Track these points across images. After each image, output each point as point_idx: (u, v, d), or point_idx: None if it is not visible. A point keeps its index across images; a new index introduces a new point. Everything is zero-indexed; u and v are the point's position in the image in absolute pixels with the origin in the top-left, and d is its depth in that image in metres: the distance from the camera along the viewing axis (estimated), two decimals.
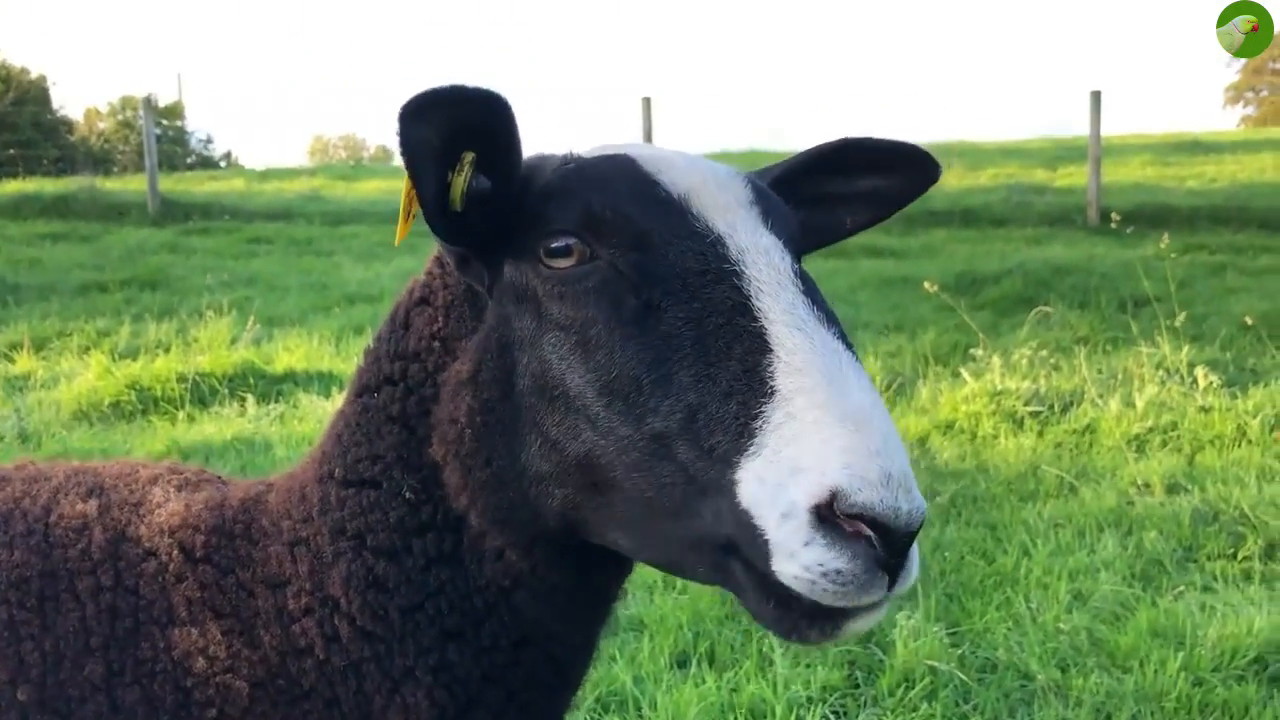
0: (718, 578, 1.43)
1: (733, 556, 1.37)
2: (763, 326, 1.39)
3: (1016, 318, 11.56)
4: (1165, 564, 5.39)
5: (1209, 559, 5.48)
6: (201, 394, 8.37)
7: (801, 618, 1.34)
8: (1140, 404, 7.79)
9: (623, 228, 1.49)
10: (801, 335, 1.38)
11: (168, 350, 9.66)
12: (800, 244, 1.63)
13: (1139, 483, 6.55)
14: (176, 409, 8.12)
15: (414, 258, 16.07)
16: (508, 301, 1.58)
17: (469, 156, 1.50)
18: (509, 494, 1.56)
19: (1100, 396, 8.06)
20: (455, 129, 1.46)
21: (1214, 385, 7.94)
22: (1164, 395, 7.99)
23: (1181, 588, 5.07)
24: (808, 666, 4.33)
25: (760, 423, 1.32)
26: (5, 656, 1.59)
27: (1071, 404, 8.07)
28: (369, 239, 17.68)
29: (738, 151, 34.18)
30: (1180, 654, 4.33)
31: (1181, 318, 8.59)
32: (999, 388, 8.20)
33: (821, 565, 1.25)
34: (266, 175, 28.14)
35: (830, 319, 1.45)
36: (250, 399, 8.14)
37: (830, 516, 1.25)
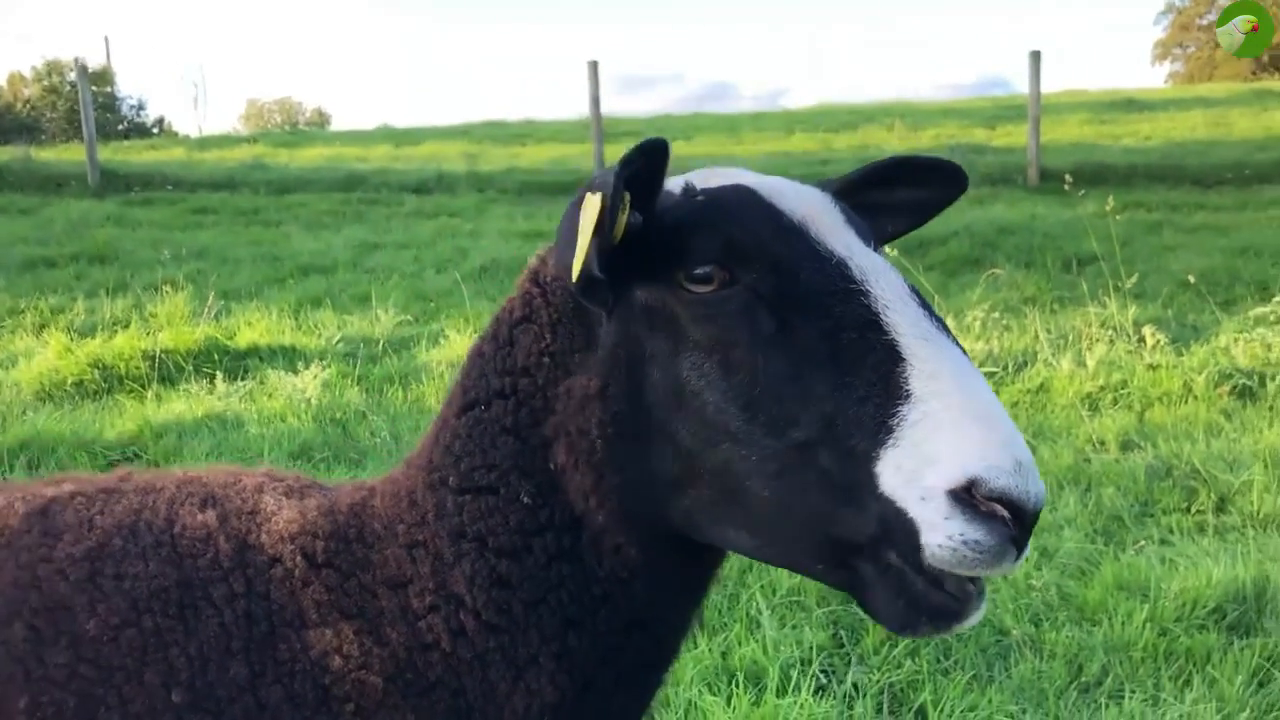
0: (839, 576, 1.57)
1: (862, 557, 1.52)
2: (894, 340, 1.53)
3: (964, 278, 11.84)
4: (1124, 519, 5.65)
5: (1164, 513, 5.74)
6: (167, 371, 8.35)
7: (922, 615, 1.50)
8: (1091, 363, 8.06)
9: (761, 255, 1.63)
10: (930, 346, 1.53)
11: (126, 326, 9.59)
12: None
13: (1094, 440, 6.81)
14: (143, 387, 8.10)
15: (363, 226, 16.01)
16: (637, 322, 1.69)
17: (627, 195, 1.63)
18: (638, 497, 1.70)
19: (1052, 356, 8.33)
20: (634, 175, 1.60)
21: (1161, 344, 8.24)
22: (1113, 354, 8.27)
23: (1142, 542, 5.32)
24: (794, 628, 4.51)
25: (897, 421, 1.47)
26: (155, 661, 1.68)
27: (1025, 364, 8.34)
28: (316, 208, 17.53)
29: (680, 115, 34.25)
30: (1145, 606, 4.57)
31: (1132, 280, 8.87)
32: None
33: (963, 534, 1.41)
34: (206, 143, 27.70)
35: (945, 329, 1.60)
36: (219, 376, 8.13)
37: (967, 499, 1.42)
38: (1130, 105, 28.31)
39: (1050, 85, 31.78)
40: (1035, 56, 18.76)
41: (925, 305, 1.62)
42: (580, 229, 1.57)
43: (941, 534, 1.42)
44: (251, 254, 13.81)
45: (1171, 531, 5.53)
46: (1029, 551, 1.54)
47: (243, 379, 8.38)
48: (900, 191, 2.03)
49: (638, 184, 1.62)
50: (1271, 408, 7.34)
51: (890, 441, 1.46)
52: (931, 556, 1.44)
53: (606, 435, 1.69)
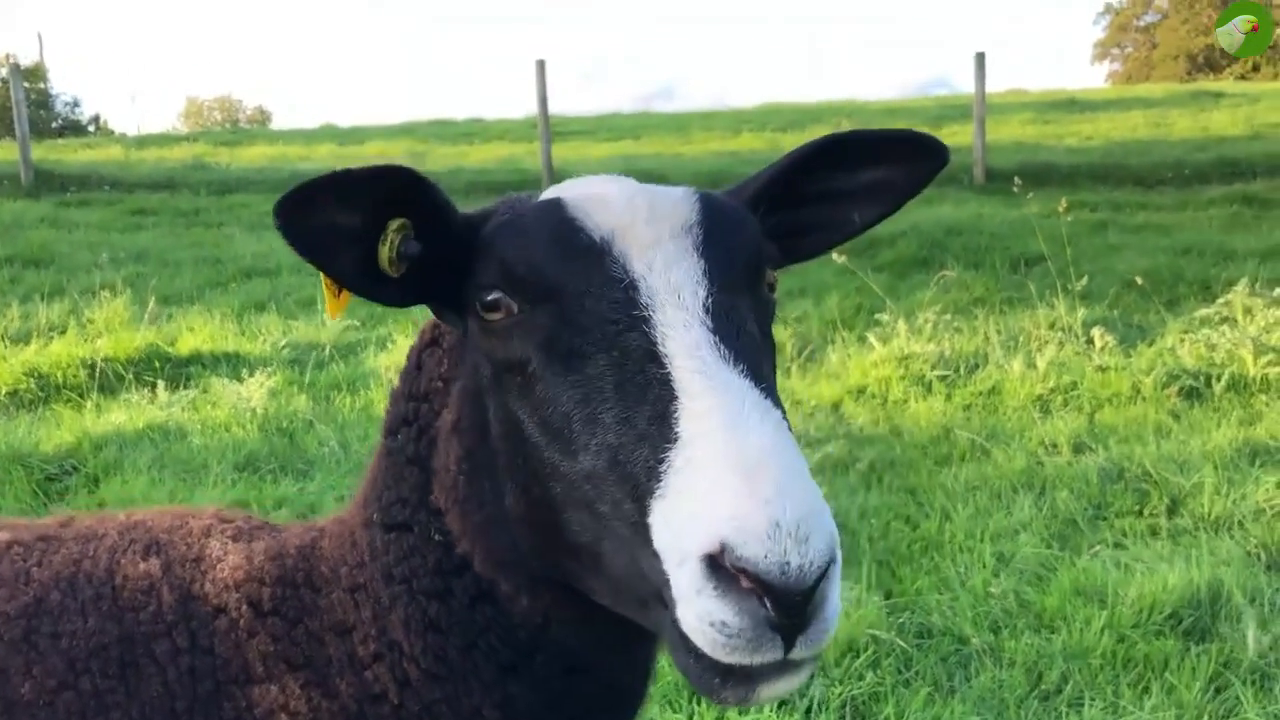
0: (659, 629, 1.42)
1: (662, 606, 1.36)
2: (669, 373, 1.40)
3: (914, 279, 11.88)
4: (1079, 522, 5.66)
5: (1118, 516, 5.76)
6: (107, 380, 8.13)
7: (715, 676, 1.32)
8: (1041, 365, 8.10)
9: (537, 283, 1.52)
10: (702, 378, 1.38)
11: (63, 333, 9.35)
12: (756, 257, 1.63)
13: (1047, 443, 6.83)
14: (81, 397, 7.87)
15: None
16: (475, 351, 1.63)
17: (395, 224, 1.56)
18: (502, 538, 1.60)
19: (1003, 358, 8.36)
20: (375, 201, 1.54)
21: (1109, 345, 8.30)
22: (1063, 356, 8.33)
23: (1097, 547, 5.33)
24: None
25: (665, 467, 1.33)
26: None
27: (976, 366, 8.36)
28: (259, 209, 17.20)
29: (628, 113, 34.18)
30: (1103, 613, 4.57)
31: (1083, 283, 8.94)
32: (906, 352, 8.45)
33: (709, 615, 1.24)
34: (144, 142, 27.15)
35: (740, 355, 1.44)
36: (160, 385, 7.93)
37: (723, 566, 1.24)
38: (1072, 105, 28.70)
39: (993, 85, 32.11)
40: (980, 58, 18.96)
41: (721, 327, 1.47)
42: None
43: (692, 611, 1.26)
44: (193, 256, 13.54)
45: (1125, 535, 5.55)
46: (822, 641, 1.30)
47: (185, 387, 8.18)
48: (865, 173, 1.83)
49: (401, 211, 1.56)
50: (1217, 409, 7.42)
51: (659, 491, 1.32)
52: (689, 632, 1.28)
53: (464, 470, 1.62)
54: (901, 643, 4.43)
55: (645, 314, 1.46)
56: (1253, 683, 4.17)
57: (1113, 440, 6.75)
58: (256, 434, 7.01)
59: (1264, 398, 7.51)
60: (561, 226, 1.55)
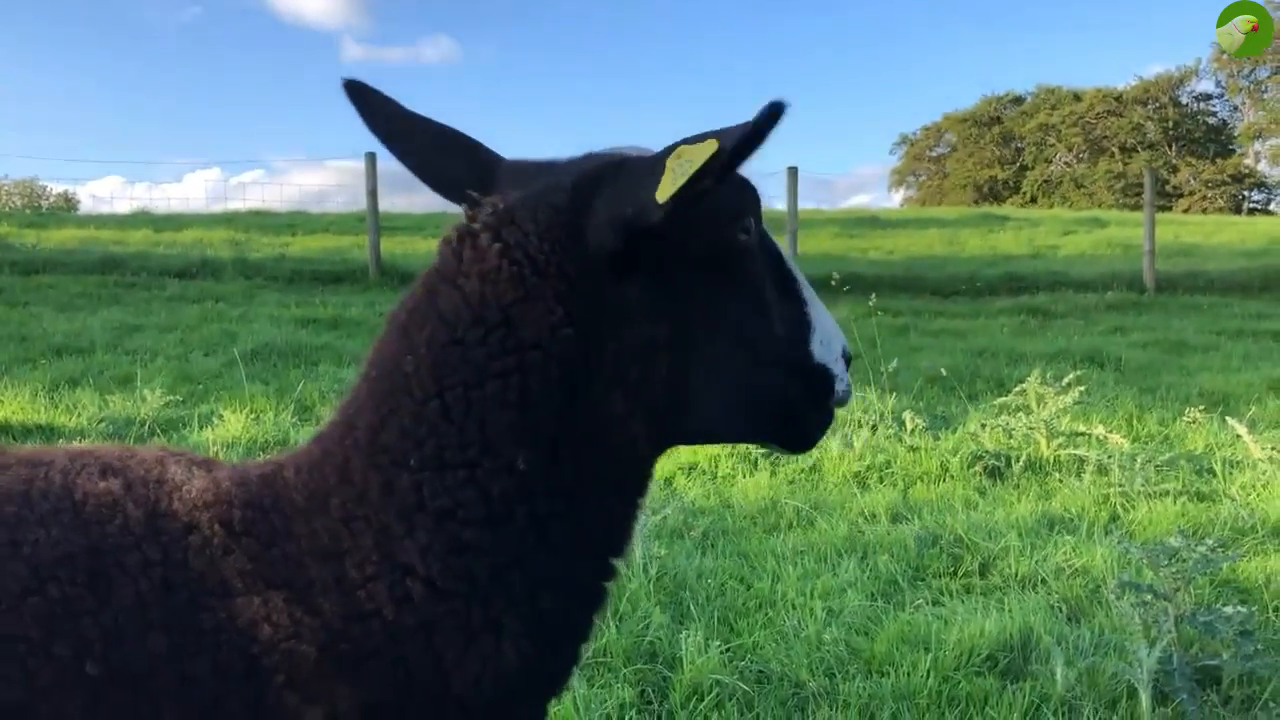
0: (779, 427, 2.09)
1: (809, 407, 2.11)
2: (790, 270, 2.11)
3: None
4: (899, 582, 6.01)
5: (935, 577, 6.15)
6: None
7: (829, 419, 2.17)
8: (858, 445, 8.59)
9: (756, 212, 2.12)
10: (799, 272, 2.15)
11: None
12: None
13: (866, 513, 7.24)
14: None
15: (121, 309, 15.25)
16: (684, 271, 2.04)
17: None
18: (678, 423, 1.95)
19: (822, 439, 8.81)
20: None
21: (919, 428, 8.88)
22: (877, 439, 8.85)
23: (920, 602, 5.68)
24: (603, 688, 4.57)
25: (808, 316, 2.10)
26: (65, 633, 1.55)
27: None
28: (69, 289, 16.56)
29: (455, 213, 34.32)
30: (927, 656, 4.89)
31: (892, 366, 9.53)
32: None
33: (845, 381, 2.13)
34: None
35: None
36: None
37: (845, 358, 2.14)
38: (874, 223, 30.51)
39: (802, 203, 33.73)
40: (793, 172, 20.03)
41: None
42: (687, 169, 1.64)
43: (843, 382, 2.14)
44: None
45: (942, 593, 5.93)
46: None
47: None
48: None
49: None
50: (1017, 485, 8.01)
51: (811, 328, 2.10)
52: (839, 396, 2.12)
53: (671, 379, 1.89)
54: (744, 685, 4.62)
55: (766, 238, 2.12)
56: (1063, 714, 4.53)
57: (926, 511, 7.21)
58: None
59: (1057, 475, 8.15)
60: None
